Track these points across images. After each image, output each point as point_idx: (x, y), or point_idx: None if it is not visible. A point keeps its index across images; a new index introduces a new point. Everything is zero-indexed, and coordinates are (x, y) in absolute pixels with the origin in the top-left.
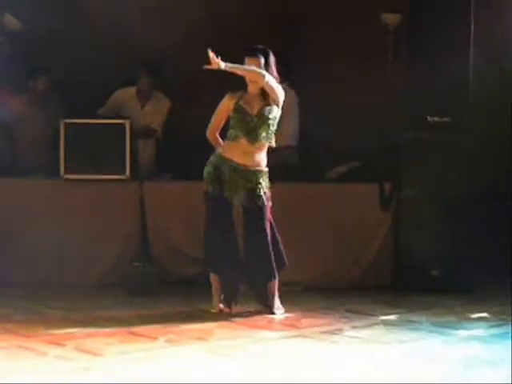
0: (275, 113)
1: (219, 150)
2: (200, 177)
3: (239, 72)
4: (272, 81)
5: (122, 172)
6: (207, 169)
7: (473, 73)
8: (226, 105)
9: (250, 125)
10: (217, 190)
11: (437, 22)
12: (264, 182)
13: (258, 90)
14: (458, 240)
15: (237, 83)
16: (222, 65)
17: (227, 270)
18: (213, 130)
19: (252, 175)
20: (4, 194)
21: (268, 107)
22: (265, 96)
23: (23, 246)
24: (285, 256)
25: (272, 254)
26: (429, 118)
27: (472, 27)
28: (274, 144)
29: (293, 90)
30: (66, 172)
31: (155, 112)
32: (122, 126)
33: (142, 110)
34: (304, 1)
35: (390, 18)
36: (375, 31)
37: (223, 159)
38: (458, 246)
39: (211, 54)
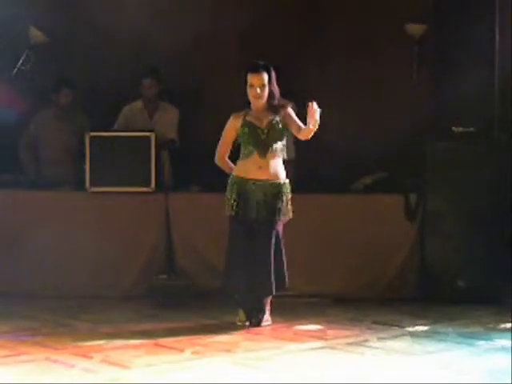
0: (284, 127)
1: (233, 172)
2: (225, 189)
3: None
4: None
5: (148, 184)
6: (227, 193)
7: (498, 83)
8: (233, 125)
9: (261, 137)
10: (236, 212)
11: (461, 33)
12: (281, 195)
13: (263, 105)
14: (484, 250)
15: (243, 97)
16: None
17: (249, 291)
18: (222, 155)
19: (271, 188)
20: (30, 206)
21: (277, 119)
22: (272, 109)
23: (49, 258)
24: (285, 277)
25: (272, 268)
26: (454, 128)
27: (497, 37)
28: (285, 156)
29: (291, 103)
30: (92, 185)
31: (166, 122)
32: (148, 138)
33: (151, 119)
34: (329, 11)
35: (415, 29)
36: (400, 42)
37: (239, 179)
38: (484, 257)
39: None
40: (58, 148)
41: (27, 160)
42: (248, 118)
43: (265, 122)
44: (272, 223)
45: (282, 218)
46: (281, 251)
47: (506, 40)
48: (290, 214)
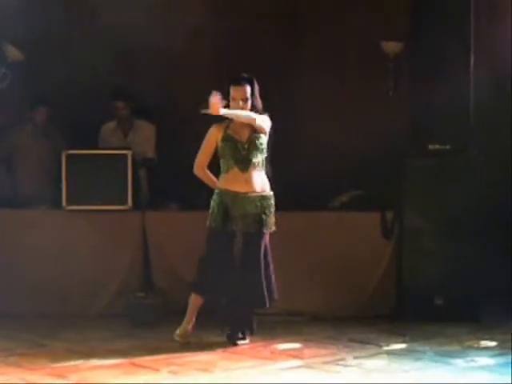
0: (264, 139)
1: (217, 185)
2: (202, 207)
3: (233, 117)
4: (260, 119)
5: (124, 202)
6: (212, 205)
7: (474, 99)
8: (214, 136)
9: (241, 152)
10: (220, 225)
11: (437, 50)
12: (269, 208)
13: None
14: (461, 268)
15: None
16: (222, 111)
17: (222, 300)
18: (200, 165)
19: (256, 201)
20: (6, 224)
21: (256, 134)
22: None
23: (25, 277)
24: (275, 289)
25: (264, 281)
26: (430, 146)
27: (472, 54)
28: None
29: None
30: (68, 203)
31: (142, 140)
32: (124, 156)
33: (126, 139)
34: (305, 29)
35: (390, 47)
36: (376, 59)
37: (224, 192)
38: (461, 275)
39: (214, 99)
40: (34, 165)
41: (3, 177)
42: (229, 132)
43: (245, 137)
44: (260, 235)
45: (268, 229)
46: (269, 263)
47: (481, 57)
48: (274, 226)
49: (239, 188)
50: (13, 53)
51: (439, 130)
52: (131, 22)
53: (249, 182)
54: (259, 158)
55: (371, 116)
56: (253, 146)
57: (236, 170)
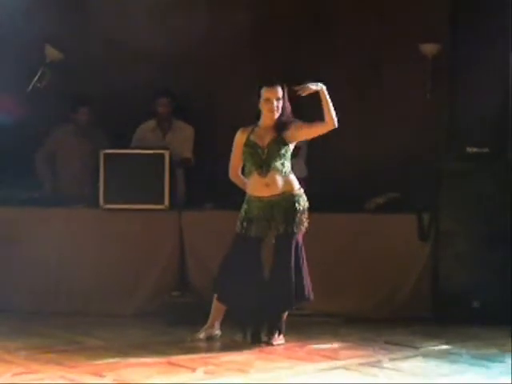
0: (287, 145)
1: (247, 191)
2: (238, 207)
3: (327, 106)
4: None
5: (161, 202)
6: (241, 210)
7: None
8: (239, 140)
9: (260, 157)
10: (244, 230)
11: (476, 52)
12: (299, 206)
13: (273, 121)
14: (498, 271)
15: (252, 112)
16: (317, 87)
17: (241, 306)
18: (234, 171)
19: (280, 202)
20: (45, 222)
21: (279, 139)
22: (277, 129)
23: (62, 275)
24: (308, 289)
25: (293, 282)
26: (468, 149)
27: (511, 56)
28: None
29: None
30: (106, 202)
31: (180, 141)
32: (162, 156)
33: (164, 138)
34: (343, 30)
35: (429, 49)
36: (414, 60)
37: (251, 198)
38: (498, 277)
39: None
40: (77, 165)
41: (44, 173)
42: (252, 137)
43: (266, 141)
44: (289, 236)
45: (298, 229)
46: (299, 264)
47: None
48: (306, 224)
49: (261, 192)
50: (52, 52)
51: (477, 132)
52: (170, 23)
53: (270, 185)
54: (280, 162)
55: (409, 118)
56: (272, 151)
57: (256, 174)
